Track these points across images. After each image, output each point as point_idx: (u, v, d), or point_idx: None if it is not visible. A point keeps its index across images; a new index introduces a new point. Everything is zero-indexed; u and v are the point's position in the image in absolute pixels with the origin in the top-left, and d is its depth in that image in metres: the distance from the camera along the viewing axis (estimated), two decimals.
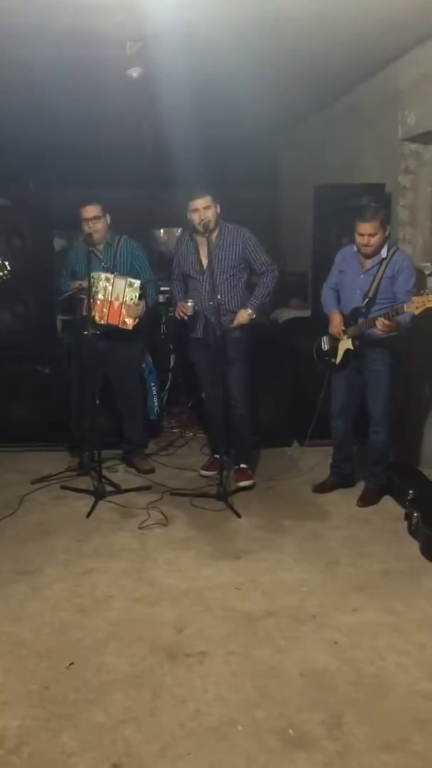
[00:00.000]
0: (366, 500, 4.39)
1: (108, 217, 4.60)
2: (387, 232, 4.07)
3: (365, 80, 5.66)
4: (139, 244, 4.82)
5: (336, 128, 6.56)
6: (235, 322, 4.39)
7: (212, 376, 4.44)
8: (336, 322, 4.29)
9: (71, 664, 2.83)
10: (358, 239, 4.06)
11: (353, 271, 4.22)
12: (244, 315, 4.40)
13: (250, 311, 4.40)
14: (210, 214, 4.29)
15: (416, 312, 3.74)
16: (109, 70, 4.95)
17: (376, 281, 4.08)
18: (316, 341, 4.53)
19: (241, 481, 4.65)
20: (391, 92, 5.17)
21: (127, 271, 4.59)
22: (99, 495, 4.36)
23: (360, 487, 4.52)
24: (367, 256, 4.12)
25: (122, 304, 4.46)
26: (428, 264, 4.82)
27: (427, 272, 4.64)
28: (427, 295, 3.74)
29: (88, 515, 4.21)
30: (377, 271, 4.09)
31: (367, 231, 3.99)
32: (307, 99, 6.44)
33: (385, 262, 4.08)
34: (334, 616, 3.17)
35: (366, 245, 4.04)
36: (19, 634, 3.04)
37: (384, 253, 4.09)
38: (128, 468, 4.98)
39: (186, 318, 4.49)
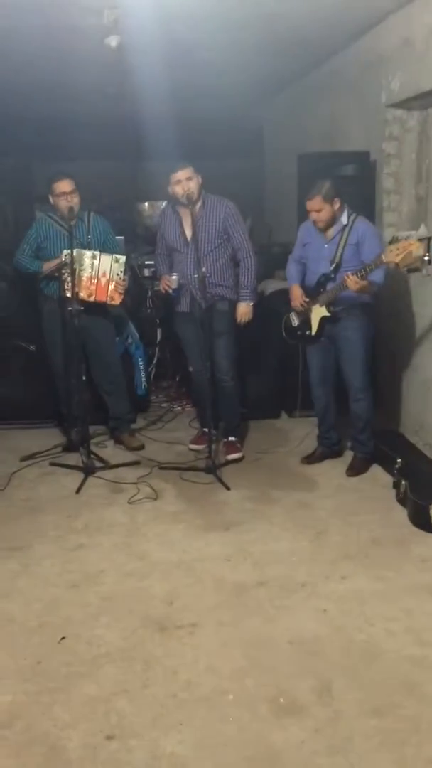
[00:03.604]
0: (355, 469, 4.40)
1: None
2: (336, 205, 4.06)
3: (347, 45, 5.57)
4: (107, 219, 4.79)
5: (319, 95, 6.48)
6: (241, 320, 4.50)
7: (199, 350, 4.43)
8: (296, 294, 4.34)
9: (63, 638, 2.84)
10: (309, 216, 4.15)
11: (317, 243, 4.24)
12: (245, 309, 4.48)
13: (247, 303, 4.49)
14: (193, 185, 4.25)
15: (398, 259, 3.67)
16: (87, 39, 4.85)
17: (341, 247, 4.11)
18: (284, 320, 4.53)
19: (230, 454, 4.65)
20: (373, 57, 5.09)
21: (100, 247, 4.54)
22: (88, 471, 4.36)
23: (349, 456, 4.53)
24: (323, 229, 4.15)
25: (109, 280, 4.43)
26: (413, 232, 4.78)
27: (413, 238, 4.60)
28: (406, 240, 3.73)
29: (78, 491, 4.21)
30: (340, 239, 4.12)
31: (312, 207, 4.07)
32: (288, 65, 6.35)
33: (347, 229, 4.11)
34: (323, 584, 3.20)
35: (315, 221, 4.12)
36: (10, 610, 3.05)
37: (345, 219, 4.12)
38: (117, 444, 4.97)
39: (171, 292, 4.46)
